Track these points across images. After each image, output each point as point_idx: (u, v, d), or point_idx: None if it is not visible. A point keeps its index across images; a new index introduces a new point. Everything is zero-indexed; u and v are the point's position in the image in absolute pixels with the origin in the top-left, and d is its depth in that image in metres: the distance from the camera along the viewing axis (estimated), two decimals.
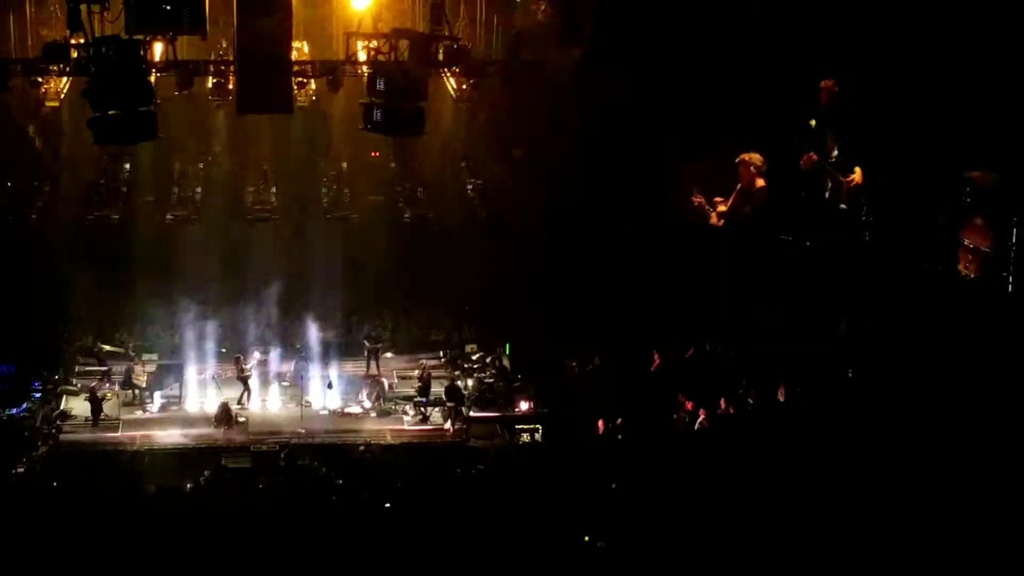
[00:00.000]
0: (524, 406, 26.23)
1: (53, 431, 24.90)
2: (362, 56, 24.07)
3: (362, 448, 24.21)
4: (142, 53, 21.97)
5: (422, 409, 26.29)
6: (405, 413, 26.49)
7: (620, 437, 23.52)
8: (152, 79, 22.84)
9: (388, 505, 19.74)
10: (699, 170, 22.80)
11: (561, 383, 27.05)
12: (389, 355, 29.32)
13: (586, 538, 17.53)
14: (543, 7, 25.65)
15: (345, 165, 32.26)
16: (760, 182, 20.76)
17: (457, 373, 27.92)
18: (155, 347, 28.75)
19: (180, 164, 31.95)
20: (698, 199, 21.25)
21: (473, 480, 22.23)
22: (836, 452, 20.15)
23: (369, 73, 23.67)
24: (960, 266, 21.36)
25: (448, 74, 27.12)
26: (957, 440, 19.43)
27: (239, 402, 26.43)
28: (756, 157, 20.59)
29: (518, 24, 28.61)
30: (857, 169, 21.05)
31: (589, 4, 25.16)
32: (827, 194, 21.29)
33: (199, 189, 31.74)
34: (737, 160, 20.68)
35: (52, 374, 27.20)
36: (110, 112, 21.55)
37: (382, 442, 25.00)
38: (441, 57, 25.09)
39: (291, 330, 29.36)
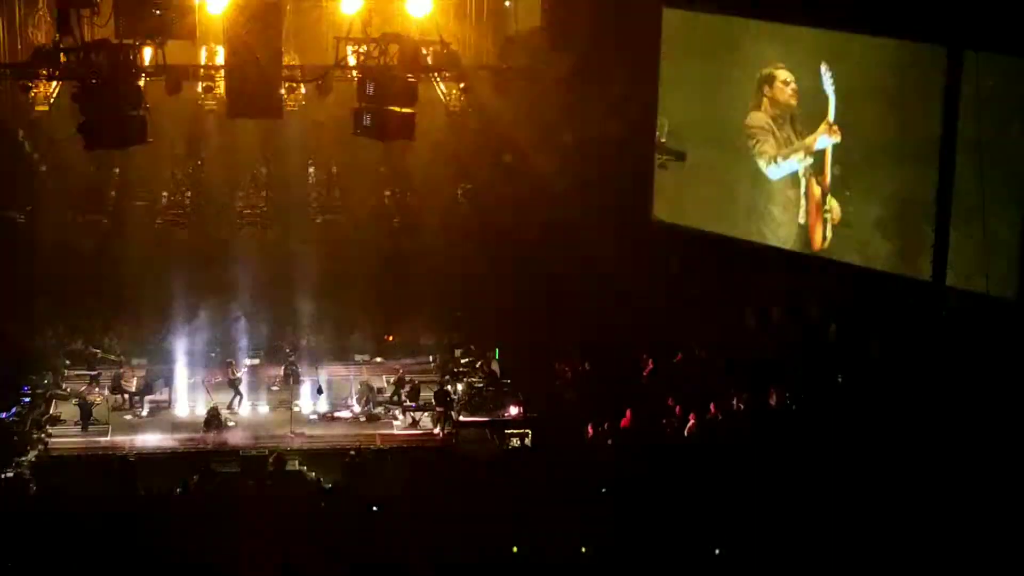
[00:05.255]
0: (514, 411, 26.21)
1: (42, 436, 24.82)
2: (352, 61, 24.08)
3: (351, 453, 24.19)
4: (132, 57, 21.98)
5: (411, 414, 26.29)
6: (394, 418, 26.49)
7: (609, 442, 23.51)
8: (142, 83, 22.85)
9: (376, 509, 19.75)
10: None
11: (551, 387, 27.05)
12: (379, 359, 29.31)
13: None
14: None
15: (335, 170, 32.24)
16: None
17: (447, 378, 27.89)
18: (144, 352, 28.68)
19: (170, 169, 31.93)
20: None
21: (462, 485, 22.22)
22: (827, 457, 20.18)
23: (359, 78, 23.70)
24: None
25: (438, 79, 27.16)
26: (948, 445, 19.49)
27: (229, 407, 26.38)
28: None
29: (508, 29, 28.73)
30: None
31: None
32: None
33: (189, 193, 31.71)
34: None
35: (41, 378, 27.12)
36: (100, 116, 21.56)
37: (371, 447, 24.99)
38: (431, 62, 25.17)
39: (281, 335, 29.31)
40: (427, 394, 26.72)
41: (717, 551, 17.54)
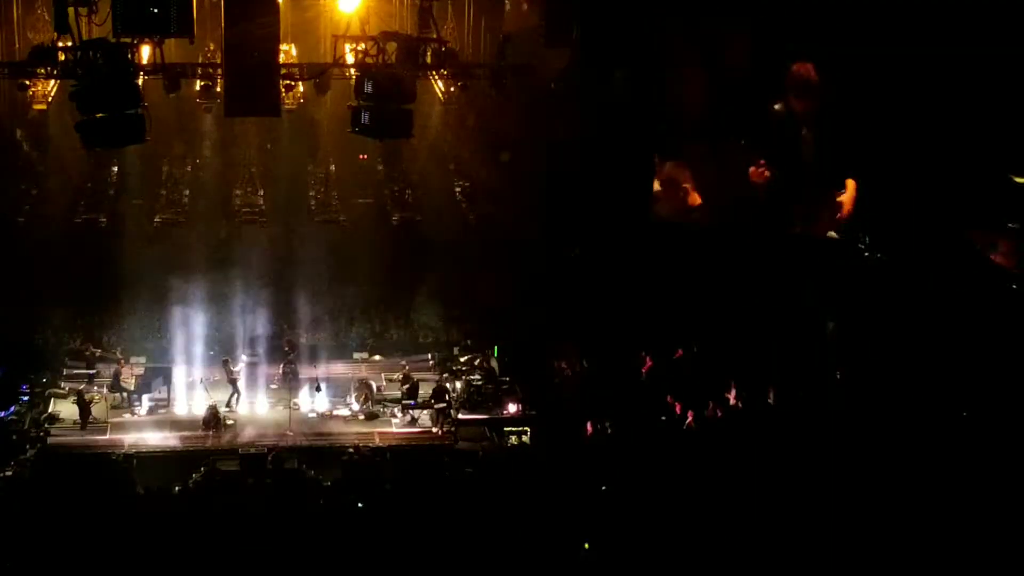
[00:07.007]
0: (512, 408, 26.25)
1: (41, 434, 24.84)
2: (350, 59, 24.05)
3: (350, 450, 24.21)
4: (130, 56, 21.95)
5: (410, 412, 26.30)
6: (393, 415, 26.50)
7: (609, 438, 23.54)
8: (140, 82, 22.82)
9: (376, 507, 19.76)
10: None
11: (550, 385, 27.06)
12: (377, 358, 29.34)
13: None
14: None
15: (333, 168, 32.24)
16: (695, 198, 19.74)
17: (445, 376, 27.91)
18: (143, 350, 28.70)
19: (168, 167, 31.91)
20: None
21: (461, 483, 22.25)
22: (825, 453, 20.20)
23: (357, 76, 23.67)
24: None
25: (436, 77, 27.13)
26: (947, 440, 19.51)
27: (228, 405, 26.40)
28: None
29: (506, 27, 28.68)
30: (849, 183, 19.60)
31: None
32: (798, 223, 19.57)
33: (187, 192, 31.70)
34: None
35: (40, 377, 27.15)
36: (98, 115, 21.53)
37: (370, 444, 25.00)
38: (429, 60, 25.12)
39: (279, 333, 29.32)
40: (426, 391, 26.76)
41: (717, 546, 17.55)
